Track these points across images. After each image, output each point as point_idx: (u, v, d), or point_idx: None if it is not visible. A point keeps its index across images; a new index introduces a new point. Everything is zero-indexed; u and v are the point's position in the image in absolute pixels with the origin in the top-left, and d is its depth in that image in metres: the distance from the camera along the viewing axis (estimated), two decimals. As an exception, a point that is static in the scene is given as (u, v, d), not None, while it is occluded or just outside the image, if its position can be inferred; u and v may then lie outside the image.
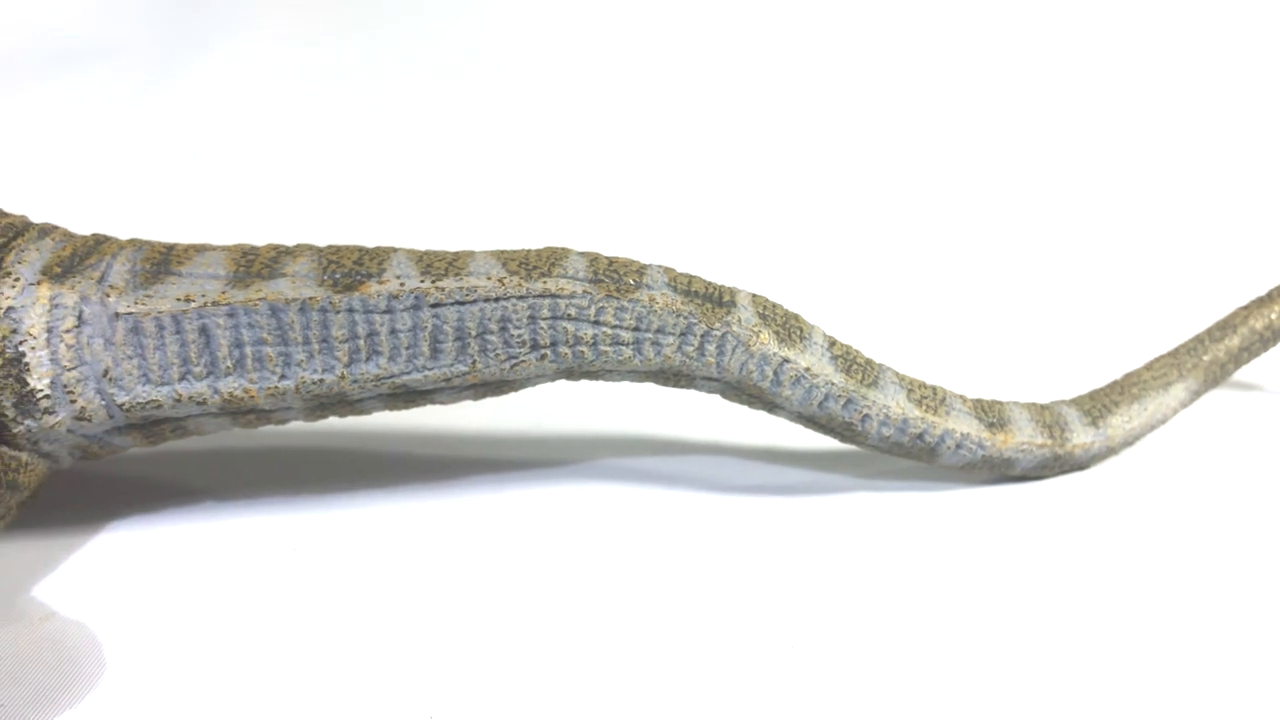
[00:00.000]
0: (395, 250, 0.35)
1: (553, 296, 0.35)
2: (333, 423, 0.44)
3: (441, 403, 0.36)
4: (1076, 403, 0.42)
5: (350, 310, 0.34)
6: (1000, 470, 0.40)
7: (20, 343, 0.33)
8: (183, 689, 0.30)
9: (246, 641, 0.32)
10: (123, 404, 0.33)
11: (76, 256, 0.34)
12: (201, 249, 0.35)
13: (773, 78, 0.73)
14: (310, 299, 0.34)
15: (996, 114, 0.73)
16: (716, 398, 0.45)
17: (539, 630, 0.32)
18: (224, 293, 0.33)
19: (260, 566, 0.36)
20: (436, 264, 0.35)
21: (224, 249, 0.35)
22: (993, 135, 0.73)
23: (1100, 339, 0.56)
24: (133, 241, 0.35)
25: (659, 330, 0.35)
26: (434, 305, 0.34)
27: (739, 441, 0.43)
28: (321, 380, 0.34)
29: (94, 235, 0.35)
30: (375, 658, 0.31)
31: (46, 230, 0.35)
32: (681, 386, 0.37)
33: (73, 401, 0.33)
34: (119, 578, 0.35)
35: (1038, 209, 0.70)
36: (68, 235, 0.35)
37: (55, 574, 0.35)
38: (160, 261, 0.34)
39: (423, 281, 0.34)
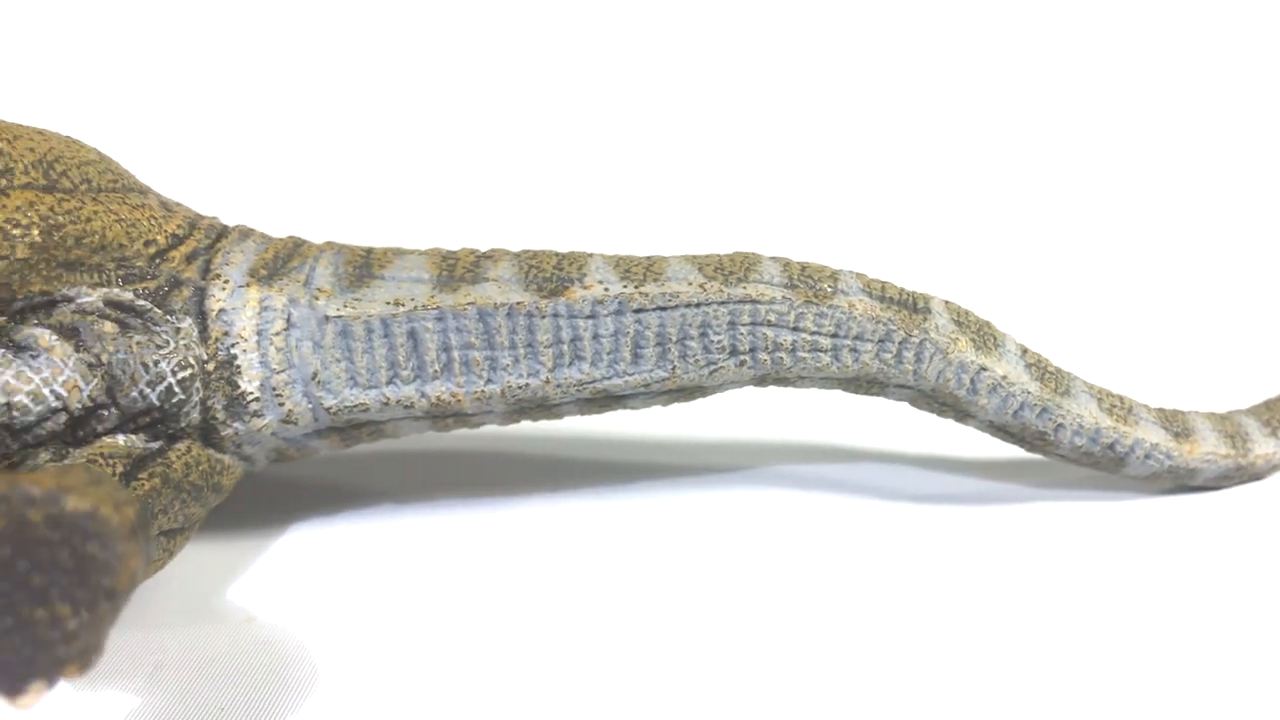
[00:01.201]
0: (591, 255, 0.35)
1: (753, 302, 0.35)
2: (507, 427, 0.44)
3: (634, 408, 0.36)
4: (1254, 413, 0.41)
5: (555, 315, 0.34)
6: (1182, 480, 0.39)
7: (232, 345, 0.33)
8: (388, 691, 0.30)
9: (436, 643, 0.32)
10: (330, 407, 0.33)
11: (279, 259, 0.34)
12: (399, 252, 0.35)
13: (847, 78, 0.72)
14: (517, 304, 0.34)
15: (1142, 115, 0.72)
16: (887, 405, 0.45)
17: (710, 632, 0.32)
18: (432, 297, 0.33)
19: (441, 568, 0.36)
20: (634, 269, 0.35)
21: (422, 253, 0.35)
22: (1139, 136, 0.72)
23: (1218, 344, 0.55)
24: (329, 244, 0.35)
25: (857, 337, 0.35)
26: (637, 310, 0.34)
27: (911, 450, 0.43)
28: (526, 385, 0.34)
29: (290, 237, 0.35)
30: (558, 657, 0.31)
31: (246, 232, 0.35)
32: (872, 394, 0.37)
33: (280, 404, 0.33)
34: (306, 580, 0.35)
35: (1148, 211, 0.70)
36: (265, 237, 0.35)
37: (245, 576, 0.35)
38: (361, 265, 0.34)
39: (625, 287, 0.34)
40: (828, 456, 0.42)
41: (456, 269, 0.34)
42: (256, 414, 0.33)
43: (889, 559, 0.36)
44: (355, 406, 0.34)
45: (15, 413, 0.29)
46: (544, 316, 0.34)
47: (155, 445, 0.32)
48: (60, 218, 0.31)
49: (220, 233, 0.34)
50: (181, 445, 0.32)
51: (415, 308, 0.33)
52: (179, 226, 0.34)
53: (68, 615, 0.22)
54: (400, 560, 0.36)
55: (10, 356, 0.30)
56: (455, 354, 0.34)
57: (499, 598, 0.34)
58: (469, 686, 0.31)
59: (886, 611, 0.33)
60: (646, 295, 0.34)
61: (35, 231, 0.30)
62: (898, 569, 0.35)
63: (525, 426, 0.44)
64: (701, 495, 0.40)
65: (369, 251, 0.35)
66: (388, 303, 0.33)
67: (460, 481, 0.41)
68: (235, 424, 0.33)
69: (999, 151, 0.71)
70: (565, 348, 0.34)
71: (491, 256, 0.35)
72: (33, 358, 0.30)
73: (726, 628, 0.33)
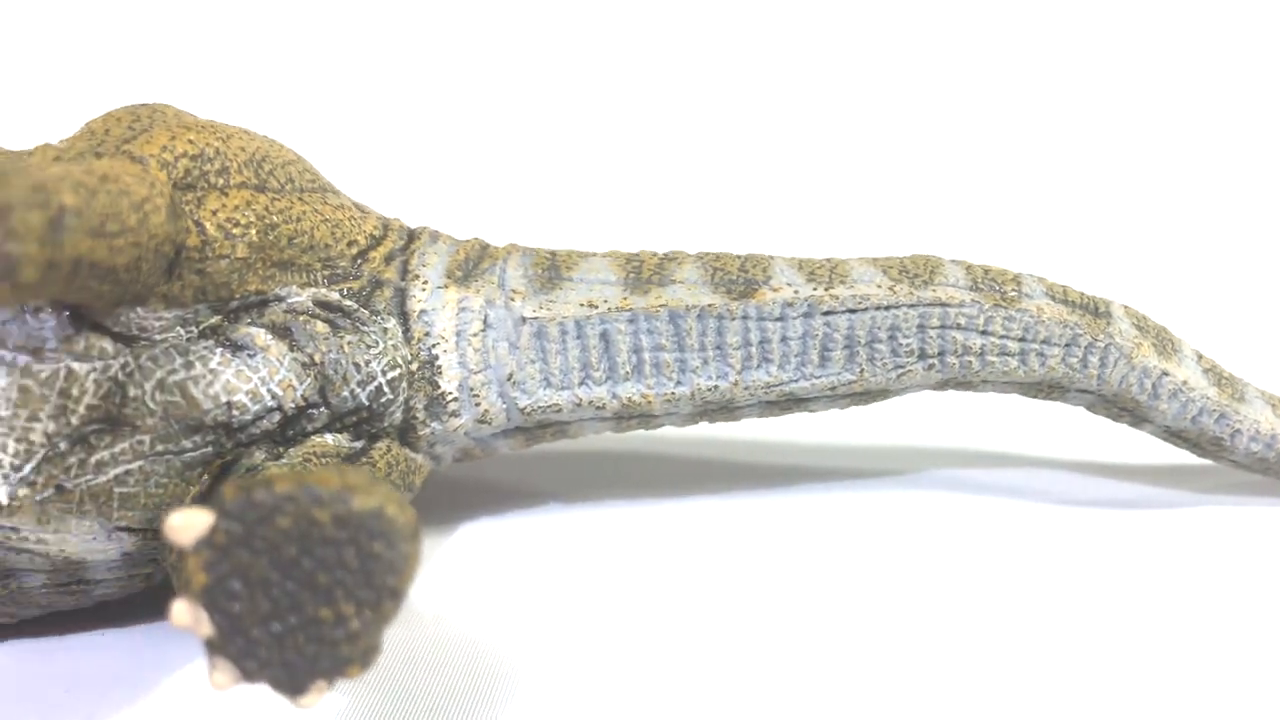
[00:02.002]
0: (772, 257, 0.35)
1: (942, 305, 0.35)
2: (665, 430, 0.44)
3: (814, 411, 0.36)
4: None
5: (745, 317, 0.34)
6: (1351, 487, 0.39)
7: (433, 346, 0.33)
8: (584, 689, 0.30)
9: (621, 641, 0.32)
10: (524, 407, 0.34)
11: (470, 261, 0.34)
12: (583, 255, 0.35)
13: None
14: (708, 306, 0.34)
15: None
16: (1045, 411, 0.44)
17: (875, 634, 0.32)
18: (625, 299, 0.34)
19: (615, 566, 0.36)
20: (819, 271, 0.35)
21: (606, 255, 0.35)
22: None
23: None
24: (513, 246, 0.35)
25: (1045, 341, 0.35)
26: (826, 313, 0.34)
27: (1071, 455, 0.43)
28: (715, 387, 0.34)
29: (475, 240, 0.35)
30: (726, 654, 0.31)
31: (435, 234, 0.35)
32: (1052, 398, 0.37)
33: (477, 404, 0.33)
34: (481, 578, 0.35)
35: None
36: (451, 239, 0.35)
37: (424, 575, 0.35)
38: (549, 267, 0.34)
39: (814, 289, 0.34)
40: (987, 461, 0.42)
41: (643, 271, 0.34)
42: (454, 414, 0.33)
43: (1054, 563, 0.36)
44: (548, 407, 0.34)
45: (235, 412, 0.30)
46: (734, 319, 0.34)
47: (358, 445, 0.32)
48: (274, 217, 0.31)
49: (412, 234, 0.35)
50: (382, 444, 0.32)
51: (608, 309, 0.34)
52: (375, 227, 0.34)
53: (352, 614, 0.22)
54: (575, 558, 0.36)
55: (229, 356, 0.30)
56: (646, 355, 0.34)
57: (670, 596, 0.34)
58: (650, 682, 0.31)
59: (1052, 615, 0.33)
60: (836, 298, 0.34)
61: (253, 231, 0.31)
62: (1064, 573, 0.35)
63: (689, 428, 0.44)
64: (863, 497, 0.40)
65: (553, 254, 0.35)
66: (581, 304, 0.34)
67: (624, 481, 0.41)
68: (433, 424, 0.33)
69: (1006, 147, 0.70)
70: (754, 350, 0.34)
71: (675, 259, 0.35)
72: (250, 357, 0.30)
73: (890, 630, 0.33)
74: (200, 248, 0.29)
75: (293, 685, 0.22)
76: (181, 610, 0.22)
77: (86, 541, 0.29)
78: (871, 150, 0.70)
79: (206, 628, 0.22)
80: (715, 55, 0.72)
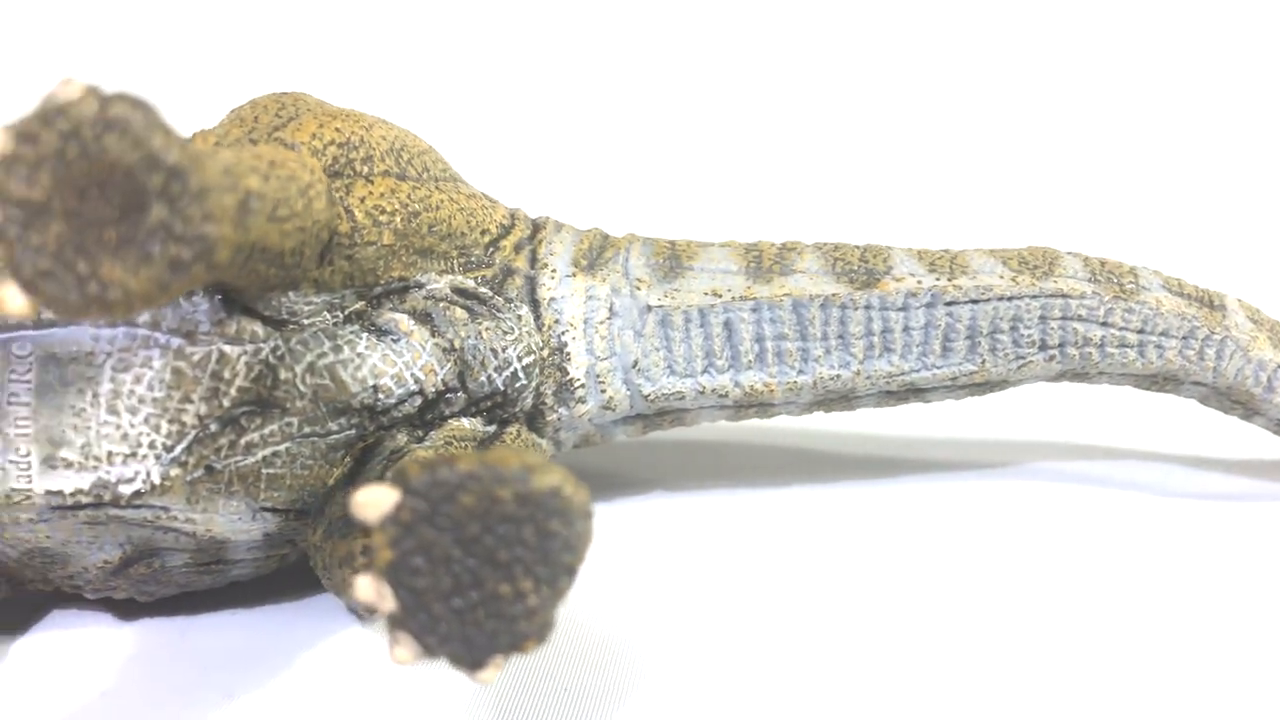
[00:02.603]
0: (890, 247, 0.36)
1: (1064, 296, 0.35)
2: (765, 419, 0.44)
3: (930, 401, 0.36)
4: None
5: (868, 307, 0.34)
6: None
7: (563, 333, 0.33)
8: (697, 678, 0.31)
9: (748, 630, 0.32)
10: (648, 394, 0.34)
11: (593, 250, 0.35)
12: (703, 244, 0.36)
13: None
14: (832, 295, 0.34)
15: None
16: (1141, 403, 0.44)
17: (978, 626, 0.33)
18: (749, 288, 0.34)
19: (715, 553, 0.36)
20: (939, 262, 0.35)
21: (724, 245, 0.36)
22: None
23: None
24: (632, 236, 0.36)
25: (1163, 333, 0.35)
26: (949, 303, 0.34)
27: (1173, 449, 0.43)
28: (838, 376, 0.34)
29: (594, 229, 0.36)
30: (841, 642, 0.32)
31: (558, 224, 0.35)
32: (1166, 391, 0.37)
33: (602, 391, 0.34)
34: (597, 564, 0.36)
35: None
36: (573, 229, 0.36)
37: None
38: (670, 256, 0.35)
39: (937, 279, 0.34)
40: (1096, 454, 0.42)
41: (763, 261, 0.35)
42: (581, 400, 0.34)
43: (1164, 556, 0.36)
44: (672, 394, 0.34)
45: (380, 395, 0.30)
46: (857, 308, 0.34)
47: (490, 429, 0.32)
48: (415, 205, 0.32)
49: (536, 223, 0.35)
50: (513, 429, 0.33)
51: (733, 298, 0.34)
52: (504, 216, 0.34)
53: (530, 591, 0.23)
54: (679, 544, 0.37)
55: (375, 340, 0.31)
56: (769, 344, 0.34)
57: (777, 583, 0.35)
58: (762, 669, 0.31)
59: (1162, 609, 0.33)
60: (960, 288, 0.34)
61: (398, 219, 0.31)
62: (1175, 566, 0.36)
63: (782, 420, 0.45)
64: (967, 489, 0.40)
65: (673, 243, 0.35)
66: (705, 293, 0.34)
67: (728, 470, 0.42)
68: (561, 409, 0.34)
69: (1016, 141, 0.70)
70: (876, 339, 0.35)
71: (794, 249, 0.35)
72: (394, 341, 0.31)
73: (1001, 622, 0.33)
74: (350, 234, 0.30)
75: (472, 660, 0.22)
76: (366, 585, 0.22)
77: (232, 521, 0.30)
78: (904, 137, 0.70)
79: (390, 603, 0.22)
80: (743, 48, 0.72)
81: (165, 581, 0.32)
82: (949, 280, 0.35)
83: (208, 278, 0.22)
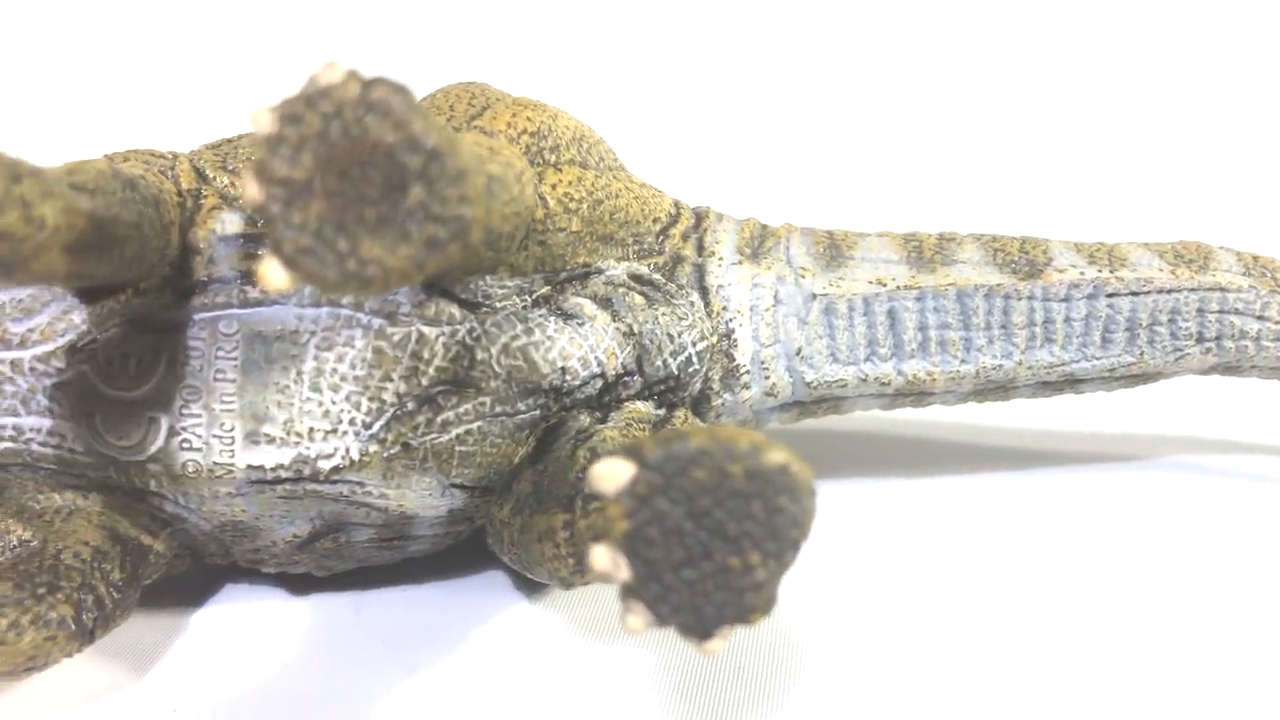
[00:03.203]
0: (1048, 239, 0.36)
1: (1221, 290, 0.35)
2: (891, 411, 0.45)
3: (1084, 392, 0.37)
4: None
5: (1031, 297, 0.35)
6: None
7: (730, 320, 0.34)
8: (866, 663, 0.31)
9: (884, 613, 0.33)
10: (810, 381, 0.35)
11: (755, 239, 0.35)
12: (860, 234, 0.36)
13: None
14: (996, 285, 0.35)
15: None
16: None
17: (1120, 616, 0.33)
18: (914, 277, 0.35)
19: (874, 541, 0.37)
20: (1098, 254, 0.36)
21: (882, 235, 0.36)
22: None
23: None
24: (790, 225, 0.36)
25: None
26: (1110, 295, 0.35)
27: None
28: (1000, 366, 0.35)
29: (752, 219, 0.37)
30: (990, 633, 0.32)
31: (719, 214, 0.36)
32: (1318, 385, 0.37)
33: (766, 377, 0.34)
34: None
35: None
36: (732, 218, 0.36)
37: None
38: (829, 245, 0.35)
39: (1099, 271, 0.35)
40: (1228, 448, 0.43)
41: (924, 251, 0.35)
42: (745, 385, 0.34)
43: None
44: (834, 382, 0.35)
45: (567, 376, 0.31)
46: (1020, 299, 0.35)
47: (660, 413, 0.33)
48: (599, 193, 0.32)
49: (698, 212, 0.36)
50: (680, 413, 0.33)
51: (897, 287, 0.35)
52: (670, 205, 0.35)
53: (758, 564, 0.23)
54: (841, 533, 0.37)
55: (561, 323, 0.31)
56: (932, 334, 0.35)
57: (933, 571, 0.35)
58: (928, 653, 0.32)
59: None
60: (1121, 280, 0.35)
61: (585, 206, 0.32)
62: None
63: (913, 411, 0.45)
64: (1099, 479, 0.40)
65: (831, 233, 0.36)
66: (870, 282, 0.35)
67: (877, 460, 0.42)
68: (725, 394, 0.34)
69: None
70: (1038, 330, 0.35)
71: (953, 239, 0.36)
72: (579, 325, 0.31)
73: (1140, 612, 0.33)
74: (544, 220, 0.31)
75: (701, 630, 0.23)
76: (602, 555, 0.23)
77: (423, 497, 0.31)
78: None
79: (625, 573, 0.23)
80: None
81: (346, 557, 0.33)
82: (1111, 272, 0.35)
83: (459, 258, 0.23)
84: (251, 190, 0.22)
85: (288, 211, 0.22)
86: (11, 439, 0.30)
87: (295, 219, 0.22)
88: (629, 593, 0.23)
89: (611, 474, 0.23)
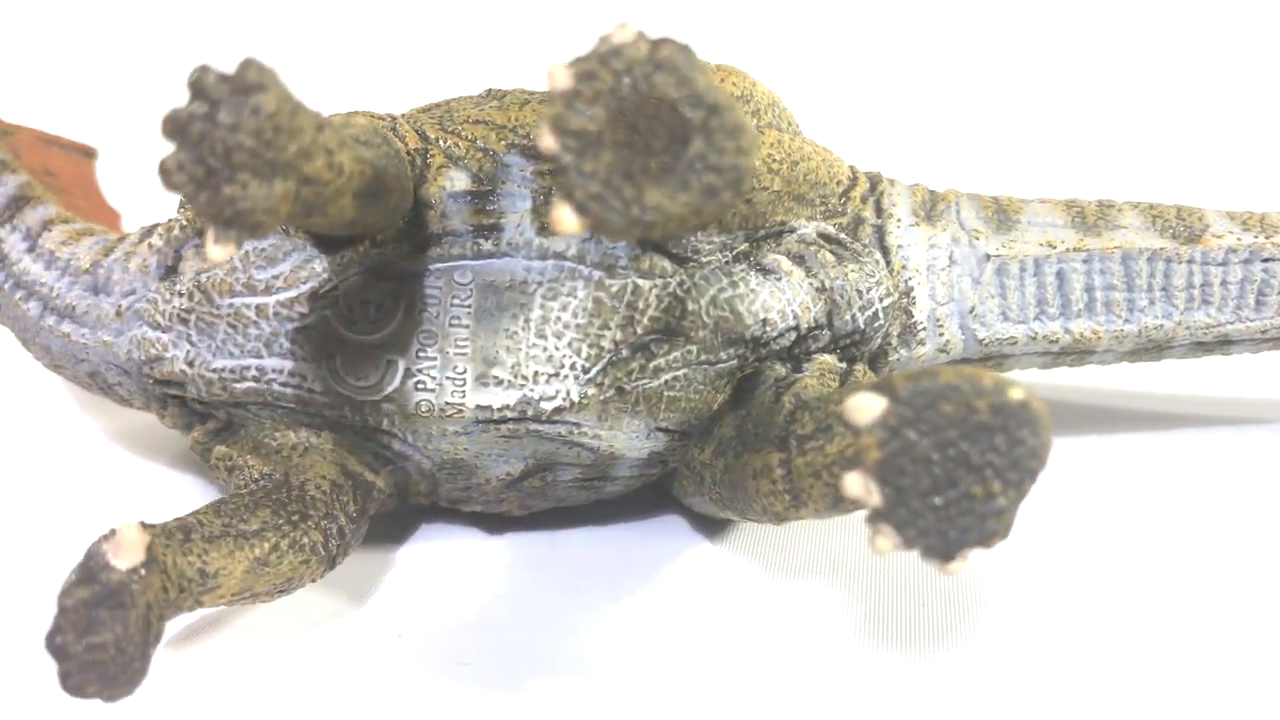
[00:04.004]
0: (1200, 207, 0.38)
1: None
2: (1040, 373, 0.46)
3: (1231, 354, 0.38)
4: None
5: (1190, 261, 0.36)
6: None
7: (909, 278, 0.36)
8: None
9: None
10: (982, 339, 0.37)
11: (926, 202, 0.37)
12: (1023, 200, 0.38)
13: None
14: (1159, 249, 0.36)
15: None
16: None
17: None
18: (1081, 240, 0.36)
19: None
20: (1250, 221, 0.37)
21: (1042, 201, 0.38)
22: None
23: None
24: (953, 190, 0.38)
25: None
26: (1265, 260, 0.37)
27: None
28: (1160, 326, 0.37)
29: (919, 184, 0.38)
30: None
31: (891, 179, 0.38)
32: None
33: (940, 335, 0.36)
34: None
35: None
36: (901, 182, 0.38)
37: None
38: (997, 210, 0.37)
39: (1256, 237, 0.37)
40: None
41: (1087, 216, 0.37)
42: (920, 342, 0.36)
43: None
44: (1005, 340, 0.37)
45: (767, 328, 0.33)
46: (1180, 262, 0.37)
47: (842, 366, 0.35)
48: (795, 155, 0.34)
49: (871, 176, 0.38)
50: (859, 367, 0.35)
51: (1066, 250, 0.36)
52: (848, 169, 0.37)
53: (999, 492, 0.25)
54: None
55: (761, 278, 0.33)
56: (1098, 294, 0.37)
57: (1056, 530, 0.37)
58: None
59: None
60: (1276, 245, 0.37)
61: (785, 167, 0.34)
62: None
63: (1058, 373, 0.47)
64: (1235, 440, 0.42)
65: (995, 199, 0.38)
66: (1040, 244, 0.36)
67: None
68: (902, 350, 0.36)
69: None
70: (1196, 292, 0.37)
71: (1113, 206, 0.38)
72: (777, 280, 0.33)
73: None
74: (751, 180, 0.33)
75: (944, 553, 0.25)
76: (855, 481, 0.25)
77: (630, 439, 0.33)
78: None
79: (877, 498, 0.25)
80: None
81: (548, 496, 0.35)
82: (1266, 238, 0.37)
83: (733, 206, 0.25)
84: (547, 141, 0.24)
85: (580, 161, 0.24)
86: (254, 379, 0.32)
87: (587, 168, 0.24)
88: (879, 517, 0.25)
89: (865, 407, 0.25)
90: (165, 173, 0.24)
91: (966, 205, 0.37)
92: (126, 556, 0.25)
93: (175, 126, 0.24)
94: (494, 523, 0.37)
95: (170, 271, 0.34)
